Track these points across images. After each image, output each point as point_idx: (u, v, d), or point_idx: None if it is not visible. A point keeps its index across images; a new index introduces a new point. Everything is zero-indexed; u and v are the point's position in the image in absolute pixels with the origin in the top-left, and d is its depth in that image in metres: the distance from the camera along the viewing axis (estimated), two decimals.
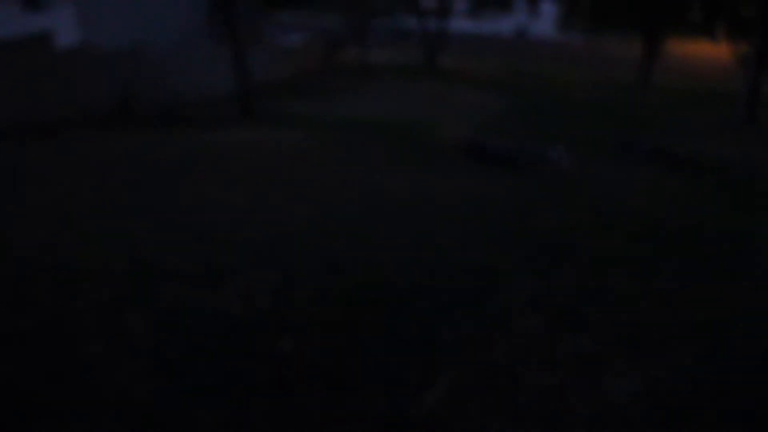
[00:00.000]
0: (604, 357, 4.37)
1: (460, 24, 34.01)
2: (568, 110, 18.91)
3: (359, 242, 6.26)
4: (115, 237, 6.04)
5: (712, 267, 6.30)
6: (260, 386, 3.83)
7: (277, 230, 6.47)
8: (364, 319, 4.65)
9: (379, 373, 3.99)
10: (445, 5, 30.82)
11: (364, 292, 5.10)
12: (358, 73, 24.95)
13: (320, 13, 30.63)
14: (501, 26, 41.31)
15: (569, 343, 4.54)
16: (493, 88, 23.14)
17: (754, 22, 18.90)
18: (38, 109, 12.54)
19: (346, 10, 26.96)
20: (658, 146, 13.28)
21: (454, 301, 5.05)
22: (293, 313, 4.69)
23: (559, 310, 5.03)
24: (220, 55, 16.40)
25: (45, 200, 7.12)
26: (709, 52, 35.35)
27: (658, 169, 11.05)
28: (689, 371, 4.27)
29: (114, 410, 3.54)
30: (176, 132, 11.92)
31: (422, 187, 8.68)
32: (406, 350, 4.27)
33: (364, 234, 6.53)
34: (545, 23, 44.83)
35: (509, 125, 15.87)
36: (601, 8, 30.44)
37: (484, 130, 14.50)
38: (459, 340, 4.44)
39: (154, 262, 5.47)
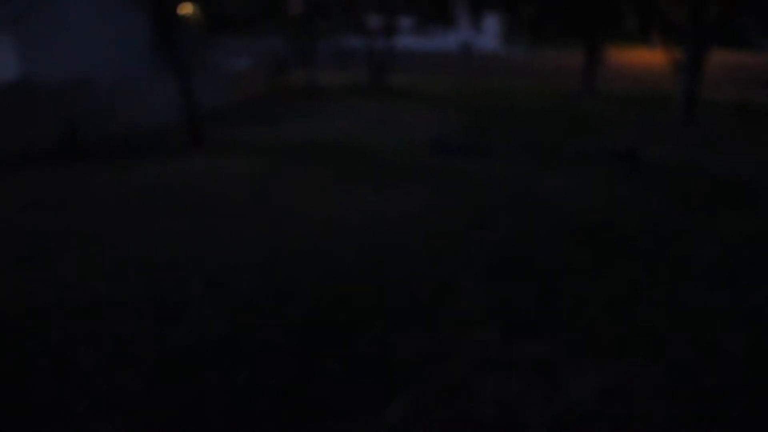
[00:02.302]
0: (560, 363, 4.47)
1: (406, 41, 34.39)
2: (518, 121, 19.24)
3: (314, 266, 6.28)
4: (66, 273, 5.94)
5: (659, 268, 6.49)
6: (217, 417, 3.81)
7: (230, 259, 6.45)
8: (321, 343, 4.66)
9: (338, 396, 4.01)
10: (391, 24, 31.12)
11: (321, 316, 5.12)
12: (305, 96, 24.99)
13: (265, 36, 30.64)
14: (446, 42, 41.87)
15: (525, 351, 4.63)
16: (441, 104, 23.41)
17: (686, 28, 19.55)
18: None
19: (292, 32, 27.02)
20: (615, 148, 13.71)
21: (411, 318, 5.10)
22: (248, 342, 4.68)
23: (515, 319, 5.12)
24: (166, 84, 16.26)
25: None
26: (647, 57, 36.39)
27: (612, 173, 11.32)
28: (641, 371, 4.39)
29: None
30: (125, 164, 11.78)
31: (376, 206, 8.74)
32: (365, 371, 4.30)
33: (318, 258, 6.55)
34: (489, 38, 45.61)
35: (462, 139, 16.05)
36: (541, 20, 31.14)
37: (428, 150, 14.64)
38: (417, 357, 4.49)
39: (107, 297, 5.40)
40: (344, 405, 3.92)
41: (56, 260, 6.34)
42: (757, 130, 18.68)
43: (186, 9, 23.45)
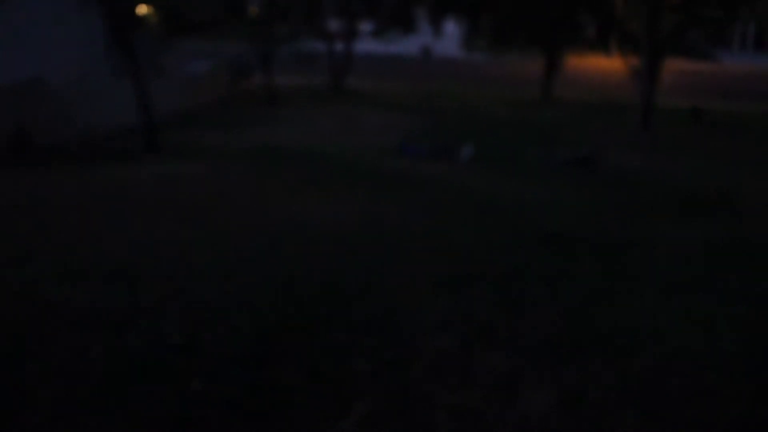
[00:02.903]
0: (519, 371, 4.45)
1: (365, 45, 34.37)
2: (479, 127, 19.35)
3: (271, 274, 6.17)
4: (15, 281, 5.74)
5: (615, 274, 6.54)
6: (171, 426, 3.70)
7: (184, 266, 6.31)
8: (277, 352, 4.57)
9: (293, 406, 3.93)
10: (351, 28, 31.07)
11: (276, 325, 5.02)
12: (265, 100, 24.77)
13: (225, 39, 30.30)
14: (406, 47, 41.97)
15: (484, 359, 4.60)
16: (401, 109, 23.43)
17: (642, 38, 19.92)
18: None
19: (251, 36, 26.74)
20: (574, 155, 13.88)
21: (369, 328, 5.03)
22: (203, 349, 4.56)
23: (473, 327, 5.09)
24: (123, 87, 15.92)
25: None
26: (605, 65, 37.01)
27: (570, 180, 11.42)
28: (598, 377, 4.40)
29: None
30: (77, 169, 11.49)
31: (332, 212, 8.66)
32: (321, 380, 4.22)
33: (275, 265, 6.45)
34: (450, 43, 45.84)
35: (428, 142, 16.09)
36: (501, 28, 31.39)
37: (397, 152, 14.64)
38: (374, 366, 4.43)
39: (56, 306, 5.22)
40: (300, 414, 3.84)
41: (2, 265, 6.13)
42: (711, 137, 19.12)
43: (143, 10, 23.07)
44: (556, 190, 10.76)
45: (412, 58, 43.36)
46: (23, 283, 5.71)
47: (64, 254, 6.53)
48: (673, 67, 27.83)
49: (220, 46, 29.79)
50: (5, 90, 13.62)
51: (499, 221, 8.53)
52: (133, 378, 4.17)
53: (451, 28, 44.68)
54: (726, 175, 12.74)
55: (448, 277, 6.18)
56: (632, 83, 20.67)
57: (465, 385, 4.23)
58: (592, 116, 23.23)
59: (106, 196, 9.27)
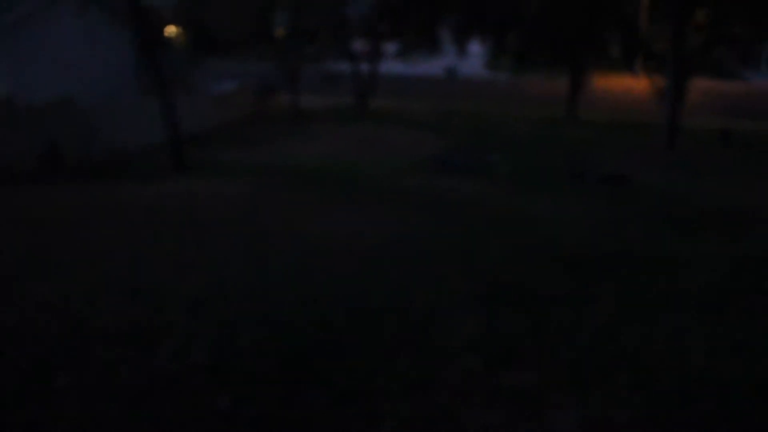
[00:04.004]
0: (544, 392, 4.40)
1: (391, 66, 34.60)
2: (505, 146, 19.35)
3: (297, 292, 6.19)
4: (45, 297, 5.81)
5: (644, 294, 6.47)
6: None
7: (212, 284, 6.35)
8: (304, 372, 4.58)
9: (321, 426, 3.92)
10: (377, 49, 31.33)
11: (304, 344, 5.03)
12: (291, 119, 25.02)
13: (252, 59, 30.71)
14: (431, 67, 42.16)
15: (510, 380, 4.56)
16: (426, 128, 23.51)
17: (668, 58, 19.84)
18: None
19: (277, 56, 27.08)
20: (607, 173, 13.91)
21: (395, 347, 5.02)
22: (231, 369, 4.58)
23: (499, 347, 5.06)
24: (151, 105, 16.19)
25: None
26: (631, 84, 36.82)
27: (601, 198, 11.36)
28: (625, 401, 4.34)
29: None
30: (107, 186, 11.67)
31: (360, 230, 8.69)
32: (347, 401, 4.22)
33: (302, 284, 6.47)
34: (474, 63, 46.00)
35: (449, 164, 16.12)
36: (526, 47, 31.45)
37: (422, 170, 14.69)
38: (400, 387, 4.41)
39: (86, 322, 5.28)
40: None
41: (34, 281, 6.22)
42: (737, 157, 18.90)
43: (171, 30, 23.47)
44: (586, 207, 10.71)
45: (436, 78, 43.55)
46: (53, 298, 5.78)
47: (93, 270, 6.61)
48: (700, 86, 27.61)
49: (247, 65, 30.19)
50: (37, 110, 13.91)
51: (526, 239, 8.49)
52: (161, 395, 4.20)
53: (476, 48, 44.82)
54: (755, 195, 12.58)
55: (474, 297, 6.16)
56: (658, 102, 20.55)
57: (491, 406, 4.20)
58: (618, 135, 23.10)
59: (133, 213, 9.39)
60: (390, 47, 34.12)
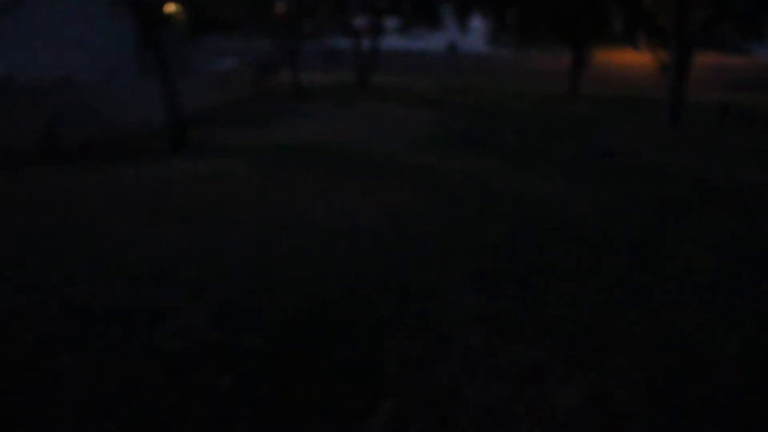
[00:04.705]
0: (547, 368, 4.42)
1: (392, 42, 34.37)
2: (507, 122, 19.26)
3: (299, 271, 6.20)
4: (46, 278, 5.83)
5: (641, 271, 6.47)
6: (202, 424, 3.73)
7: (215, 263, 6.36)
8: (306, 350, 4.59)
9: (321, 403, 3.94)
10: (377, 25, 31.10)
11: (305, 322, 5.05)
12: (292, 97, 24.90)
13: (251, 37, 30.50)
14: (432, 43, 41.86)
15: (510, 355, 4.58)
16: (428, 104, 23.41)
17: (671, 32, 19.66)
18: None
19: (277, 33, 26.89)
20: (605, 148, 14.09)
21: (396, 324, 5.04)
22: (232, 347, 4.60)
23: (501, 324, 5.07)
24: (151, 85, 16.10)
25: None
26: (633, 59, 36.55)
27: (602, 172, 11.34)
28: (626, 375, 4.35)
29: None
30: (107, 166, 11.65)
31: (362, 208, 8.68)
32: (349, 378, 4.24)
33: (303, 262, 6.48)
34: (475, 39, 45.62)
35: (451, 140, 16.10)
36: (527, 23, 31.19)
37: (424, 147, 14.64)
38: (401, 363, 4.43)
39: (88, 303, 5.29)
40: (327, 412, 3.85)
41: (34, 263, 6.23)
42: (740, 132, 18.81)
43: (170, 8, 23.30)
44: (584, 184, 10.68)
45: (438, 54, 43.28)
46: (55, 281, 5.78)
47: (94, 253, 6.61)
48: (704, 60, 27.43)
49: (246, 43, 29.99)
50: (35, 88, 13.83)
51: (527, 215, 8.48)
52: (162, 375, 4.22)
53: (477, 23, 44.47)
54: (755, 171, 12.54)
55: (475, 274, 6.16)
56: (661, 78, 20.40)
57: (492, 381, 4.22)
58: (620, 111, 22.99)
59: (135, 193, 9.38)
60: (390, 23, 33.84)
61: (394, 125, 18.37)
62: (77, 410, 3.82)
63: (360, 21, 31.23)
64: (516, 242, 7.35)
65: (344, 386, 4.12)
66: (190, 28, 26.05)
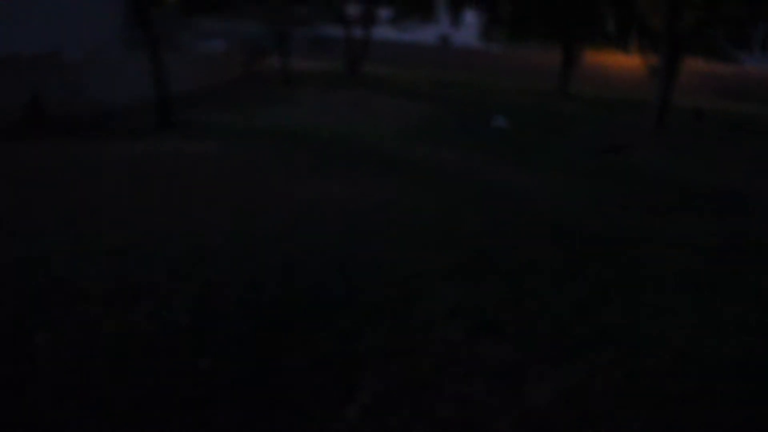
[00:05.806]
0: (525, 364, 4.43)
1: (383, 32, 34.22)
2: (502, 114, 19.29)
3: (280, 256, 6.16)
4: (24, 255, 5.75)
5: (622, 270, 6.50)
6: (179, 405, 3.71)
7: (197, 245, 6.30)
8: (286, 336, 4.57)
9: (300, 390, 3.93)
10: (370, 14, 30.93)
11: (286, 308, 5.02)
12: (280, 82, 24.73)
13: (241, 19, 30.22)
14: (424, 35, 41.77)
15: (490, 350, 4.58)
16: (418, 96, 23.35)
17: (662, 35, 19.74)
18: None
19: (268, 18, 26.66)
20: (600, 147, 14.30)
21: (377, 314, 5.02)
22: (212, 330, 4.57)
23: (481, 318, 5.08)
24: (138, 63, 15.90)
25: None
26: (624, 61, 36.70)
27: (589, 173, 11.39)
28: (604, 373, 4.38)
29: None
30: (91, 143, 11.51)
31: (346, 197, 8.64)
32: (328, 365, 4.22)
33: (285, 248, 6.44)
34: (468, 33, 45.61)
35: (440, 131, 16.09)
36: (520, 19, 31.19)
37: (412, 137, 14.61)
38: (381, 353, 4.42)
39: (66, 280, 5.23)
40: (305, 398, 3.84)
41: (12, 238, 6.14)
42: (723, 138, 19.01)
43: None
44: (573, 182, 10.72)
45: (429, 46, 43.20)
46: (33, 258, 5.70)
47: (74, 229, 6.53)
48: (694, 67, 27.61)
49: (236, 26, 29.73)
50: (21, 61, 13.62)
51: (511, 211, 8.48)
52: (142, 354, 4.18)
53: (470, 18, 44.43)
54: (736, 175, 12.70)
55: (457, 267, 6.16)
56: (650, 81, 20.51)
57: (470, 376, 4.22)
58: (607, 112, 23.09)
59: (117, 171, 9.27)
60: (383, 13, 33.69)
61: (382, 115, 18.31)
62: (53, 389, 3.78)
63: (352, 9, 31.06)
64: (499, 235, 7.36)
65: (321, 374, 4.11)
66: (180, 7, 25.78)
